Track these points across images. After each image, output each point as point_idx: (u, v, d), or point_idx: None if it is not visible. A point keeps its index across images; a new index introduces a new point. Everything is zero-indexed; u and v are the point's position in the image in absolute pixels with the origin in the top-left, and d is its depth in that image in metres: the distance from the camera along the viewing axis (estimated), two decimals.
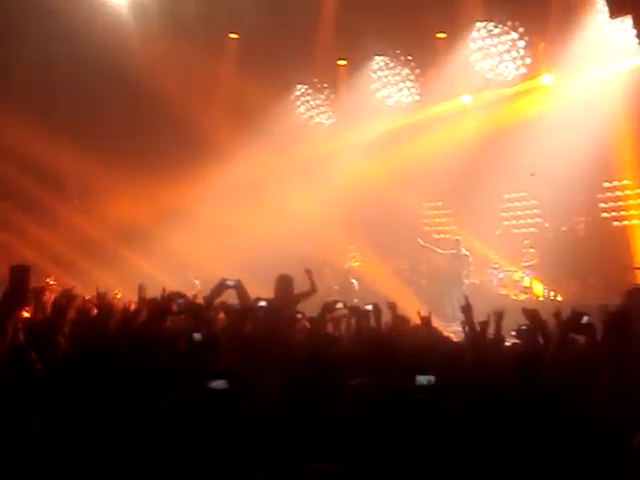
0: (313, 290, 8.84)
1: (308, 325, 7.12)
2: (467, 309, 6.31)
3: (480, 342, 5.93)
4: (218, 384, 3.10)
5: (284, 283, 8.54)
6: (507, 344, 7.05)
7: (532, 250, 17.70)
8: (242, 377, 3.33)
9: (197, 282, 17.19)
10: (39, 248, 17.82)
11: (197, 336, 5.05)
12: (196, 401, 3.20)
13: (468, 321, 6.14)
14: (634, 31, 11.50)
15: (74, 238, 19.18)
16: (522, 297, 16.94)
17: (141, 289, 7.92)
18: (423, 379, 3.60)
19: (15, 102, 17.64)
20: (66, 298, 6.50)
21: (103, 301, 7.25)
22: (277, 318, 7.04)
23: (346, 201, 19.68)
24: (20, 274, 4.59)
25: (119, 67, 18.67)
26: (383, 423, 2.93)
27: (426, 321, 6.81)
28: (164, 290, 6.84)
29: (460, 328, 7.59)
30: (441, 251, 18.22)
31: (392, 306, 7.95)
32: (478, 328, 6.11)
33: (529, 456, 3.53)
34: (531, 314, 6.32)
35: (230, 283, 7.31)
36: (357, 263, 19.76)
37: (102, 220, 20.02)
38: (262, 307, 7.02)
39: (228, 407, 3.03)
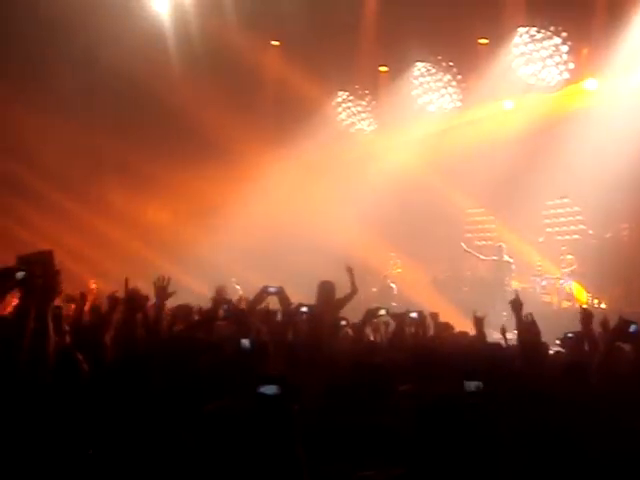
0: (354, 291, 8.82)
1: (351, 332, 7.11)
2: (517, 305, 6.19)
3: (530, 345, 5.85)
4: (269, 389, 3.11)
5: (326, 289, 8.53)
6: (551, 352, 6.97)
7: (570, 257, 17.50)
8: (290, 383, 3.34)
9: (239, 287, 17.26)
10: (74, 253, 17.99)
11: (245, 342, 5.06)
12: (245, 406, 3.22)
13: (517, 317, 6.05)
14: None
15: (111, 243, 19.27)
16: (565, 305, 16.72)
17: (221, 291, 7.88)
18: (471, 385, 3.58)
19: (58, 106, 17.89)
20: (112, 301, 6.56)
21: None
22: (319, 325, 7.04)
23: (388, 206, 19.63)
24: (43, 259, 4.28)
25: (161, 75, 18.90)
26: (431, 430, 2.92)
27: (479, 322, 6.71)
28: (220, 291, 6.88)
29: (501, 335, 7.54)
30: (483, 257, 18.11)
31: (434, 316, 7.92)
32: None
33: (578, 464, 3.49)
34: (586, 318, 6.22)
35: (272, 290, 7.31)
36: (398, 270, 19.72)
37: (140, 226, 20.08)
38: (304, 313, 7.01)
39: (280, 412, 3.05)
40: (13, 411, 3.66)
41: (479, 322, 6.79)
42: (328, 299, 8.43)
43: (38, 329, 3.98)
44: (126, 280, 6.58)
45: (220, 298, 8.03)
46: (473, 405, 3.06)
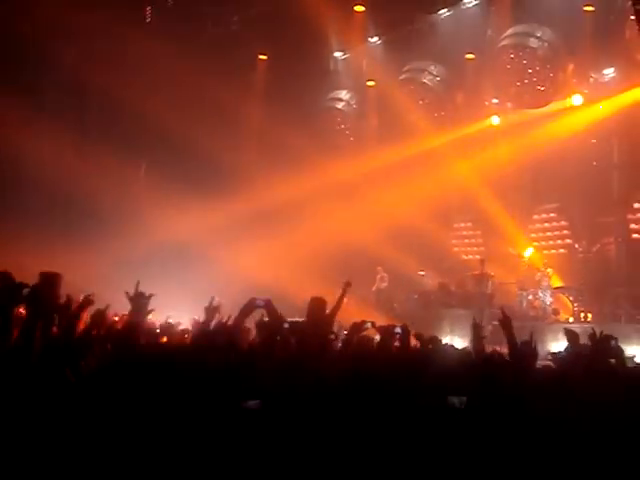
0: (336, 308, 8.68)
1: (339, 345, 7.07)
2: (506, 322, 6.15)
3: (520, 358, 5.82)
4: (252, 404, 3.11)
5: (316, 305, 8.48)
6: (538, 366, 6.96)
7: (549, 270, 17.57)
8: (275, 397, 3.33)
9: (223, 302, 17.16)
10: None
11: (232, 357, 5.03)
12: (230, 419, 3.20)
13: (508, 335, 6.01)
14: None
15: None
16: (551, 319, 16.75)
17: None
18: (455, 400, 3.56)
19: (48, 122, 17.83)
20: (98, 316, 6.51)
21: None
22: (306, 340, 6.98)
23: (375, 221, 19.69)
24: (48, 281, 4.53)
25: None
26: (414, 444, 2.91)
27: (477, 328, 6.65)
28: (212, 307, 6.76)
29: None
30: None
31: (419, 335, 7.87)
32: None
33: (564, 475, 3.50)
34: (572, 337, 6.24)
35: (260, 303, 7.23)
36: (385, 284, 19.71)
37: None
38: (290, 327, 6.93)
39: (262, 426, 3.04)
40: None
41: (478, 328, 6.71)
42: (319, 315, 8.37)
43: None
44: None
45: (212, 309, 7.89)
46: (456, 419, 3.05)
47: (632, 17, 13.50)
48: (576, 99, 18.00)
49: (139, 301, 6.11)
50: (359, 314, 15.72)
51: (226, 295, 16.64)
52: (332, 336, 7.14)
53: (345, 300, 8.38)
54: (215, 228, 18.49)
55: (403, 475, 2.88)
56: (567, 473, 3.42)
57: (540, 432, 3.77)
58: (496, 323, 6.28)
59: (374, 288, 19.61)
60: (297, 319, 7.02)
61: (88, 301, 6.52)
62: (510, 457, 3.37)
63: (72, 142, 18.42)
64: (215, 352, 5.25)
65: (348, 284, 8.50)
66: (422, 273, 18.96)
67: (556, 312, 17.08)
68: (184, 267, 18.36)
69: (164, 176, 18.87)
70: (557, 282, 17.73)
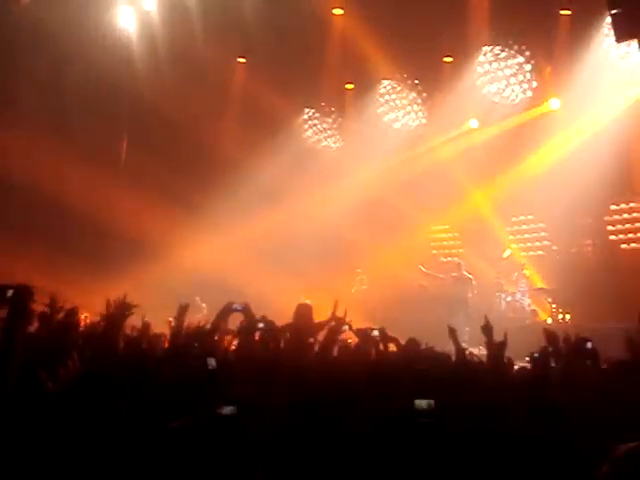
0: (331, 320, 8.64)
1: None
2: (487, 329, 6.19)
3: (498, 364, 5.86)
4: (227, 410, 3.10)
5: (303, 311, 8.49)
6: (516, 367, 7.01)
7: (527, 272, 17.72)
8: (252, 402, 3.32)
9: (204, 305, 17.15)
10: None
11: (211, 361, 4.99)
12: (205, 426, 3.20)
13: (489, 341, 6.05)
14: None
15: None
16: (528, 321, 16.84)
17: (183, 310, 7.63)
18: (423, 403, 3.55)
19: (25, 128, 17.67)
20: (71, 317, 6.49)
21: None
22: (286, 344, 6.99)
23: (353, 224, 19.73)
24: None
25: (128, 91, 18.88)
26: (385, 448, 2.92)
27: (453, 333, 6.69)
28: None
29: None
30: (442, 276, 18.16)
31: (394, 339, 7.88)
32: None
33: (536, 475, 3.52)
34: (551, 337, 6.28)
35: (237, 307, 7.19)
36: (364, 286, 19.76)
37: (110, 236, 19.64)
38: (265, 330, 6.91)
39: (237, 433, 3.03)
40: None
41: (453, 334, 6.76)
42: (305, 321, 8.38)
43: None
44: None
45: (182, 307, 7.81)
46: (424, 424, 3.05)
47: (608, 22, 13.59)
48: (553, 103, 18.15)
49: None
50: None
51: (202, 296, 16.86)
52: (311, 340, 7.14)
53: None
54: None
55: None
56: (538, 473, 3.44)
57: (512, 435, 3.80)
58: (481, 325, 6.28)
59: (353, 290, 19.66)
60: (274, 322, 6.98)
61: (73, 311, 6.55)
62: (478, 460, 3.39)
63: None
64: (191, 358, 5.26)
65: (337, 303, 8.40)
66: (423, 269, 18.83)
67: (535, 313, 17.20)
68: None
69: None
70: (536, 283, 17.85)
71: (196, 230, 19.00)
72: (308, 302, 9.31)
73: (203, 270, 18.20)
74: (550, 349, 6.29)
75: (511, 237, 19.53)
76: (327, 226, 19.59)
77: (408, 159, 20.54)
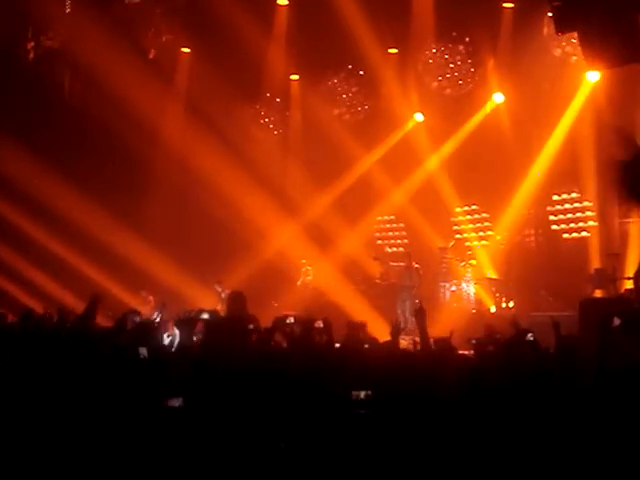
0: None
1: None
2: (420, 313, 6.20)
3: (433, 352, 5.90)
4: (174, 401, 3.08)
5: (236, 299, 8.46)
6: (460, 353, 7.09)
7: (473, 262, 17.95)
8: (197, 393, 3.31)
9: (151, 298, 17.02)
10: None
11: (143, 351, 4.96)
12: (152, 417, 3.17)
13: (420, 326, 6.06)
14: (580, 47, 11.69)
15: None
16: (473, 309, 17.05)
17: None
18: (360, 394, 3.55)
19: None
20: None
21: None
22: (224, 331, 6.94)
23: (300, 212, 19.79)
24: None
25: None
26: (321, 438, 2.93)
27: (396, 329, 6.72)
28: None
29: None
30: (394, 264, 18.30)
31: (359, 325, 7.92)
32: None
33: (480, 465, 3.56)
34: (488, 328, 6.41)
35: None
36: (309, 277, 19.77)
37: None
38: (206, 320, 6.90)
39: (184, 424, 3.02)
40: None
41: (395, 329, 6.80)
42: (239, 309, 8.35)
43: None
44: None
45: (130, 309, 7.89)
46: (360, 414, 3.06)
47: (549, 14, 13.75)
48: (497, 97, 18.38)
49: None
50: (284, 308, 15.88)
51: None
52: (251, 326, 7.12)
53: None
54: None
55: (307, 468, 2.90)
56: (471, 457, 3.48)
57: (451, 420, 3.83)
58: None
59: (299, 282, 19.66)
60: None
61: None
62: (415, 447, 3.41)
63: None
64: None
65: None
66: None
67: (479, 302, 17.42)
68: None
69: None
70: (480, 273, 18.06)
71: None
72: None
73: None
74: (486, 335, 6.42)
75: (456, 227, 19.73)
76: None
77: (350, 152, 20.43)
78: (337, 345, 6.57)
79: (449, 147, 19.03)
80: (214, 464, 3.16)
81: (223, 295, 16.20)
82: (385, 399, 3.67)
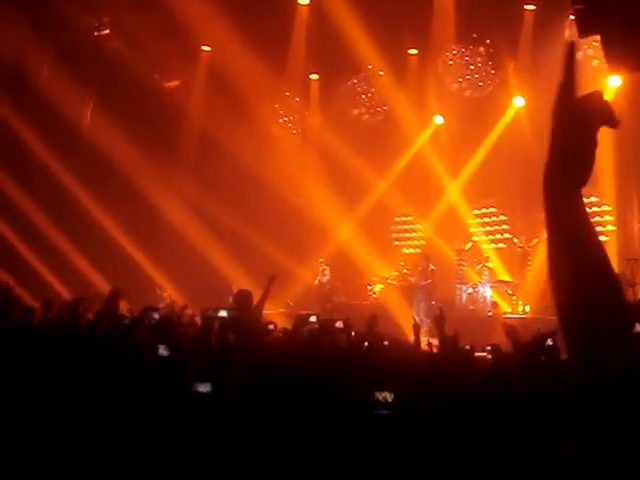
0: (262, 300, 8.54)
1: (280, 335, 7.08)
2: (440, 320, 6.23)
3: (452, 354, 5.90)
4: (204, 386, 3.10)
5: (242, 298, 8.44)
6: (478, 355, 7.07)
7: (490, 264, 17.91)
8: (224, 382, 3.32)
9: (166, 294, 17.10)
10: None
11: (162, 350, 4.96)
12: (181, 404, 3.19)
13: (440, 332, 6.09)
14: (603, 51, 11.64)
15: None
16: (489, 312, 17.00)
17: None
18: (381, 396, 3.56)
19: None
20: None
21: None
22: (239, 330, 6.94)
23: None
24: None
25: None
26: (341, 440, 2.93)
27: (417, 329, 6.73)
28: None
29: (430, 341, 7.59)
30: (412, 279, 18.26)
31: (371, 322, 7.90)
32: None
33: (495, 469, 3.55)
34: (510, 331, 6.34)
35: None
36: (326, 277, 19.76)
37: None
38: (222, 318, 6.88)
39: (213, 410, 3.03)
40: None
41: (416, 329, 6.82)
42: (245, 307, 8.33)
43: None
44: None
45: (147, 306, 7.86)
46: (382, 415, 3.07)
47: (571, 17, 13.70)
48: (518, 100, 18.33)
49: None
50: (301, 308, 15.89)
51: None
52: (271, 326, 7.14)
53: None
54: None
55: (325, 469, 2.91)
56: (496, 462, 3.48)
57: (471, 425, 3.83)
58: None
59: (316, 281, 19.66)
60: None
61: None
62: (437, 450, 3.41)
63: None
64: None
65: (273, 278, 8.42)
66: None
67: (495, 305, 17.37)
68: None
69: None
70: (497, 276, 18.02)
71: None
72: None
73: None
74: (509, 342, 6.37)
75: (473, 229, 19.68)
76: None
77: (370, 152, 20.38)
78: (365, 344, 6.55)
79: (468, 148, 19.00)
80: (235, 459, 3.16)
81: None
82: (408, 400, 3.67)
